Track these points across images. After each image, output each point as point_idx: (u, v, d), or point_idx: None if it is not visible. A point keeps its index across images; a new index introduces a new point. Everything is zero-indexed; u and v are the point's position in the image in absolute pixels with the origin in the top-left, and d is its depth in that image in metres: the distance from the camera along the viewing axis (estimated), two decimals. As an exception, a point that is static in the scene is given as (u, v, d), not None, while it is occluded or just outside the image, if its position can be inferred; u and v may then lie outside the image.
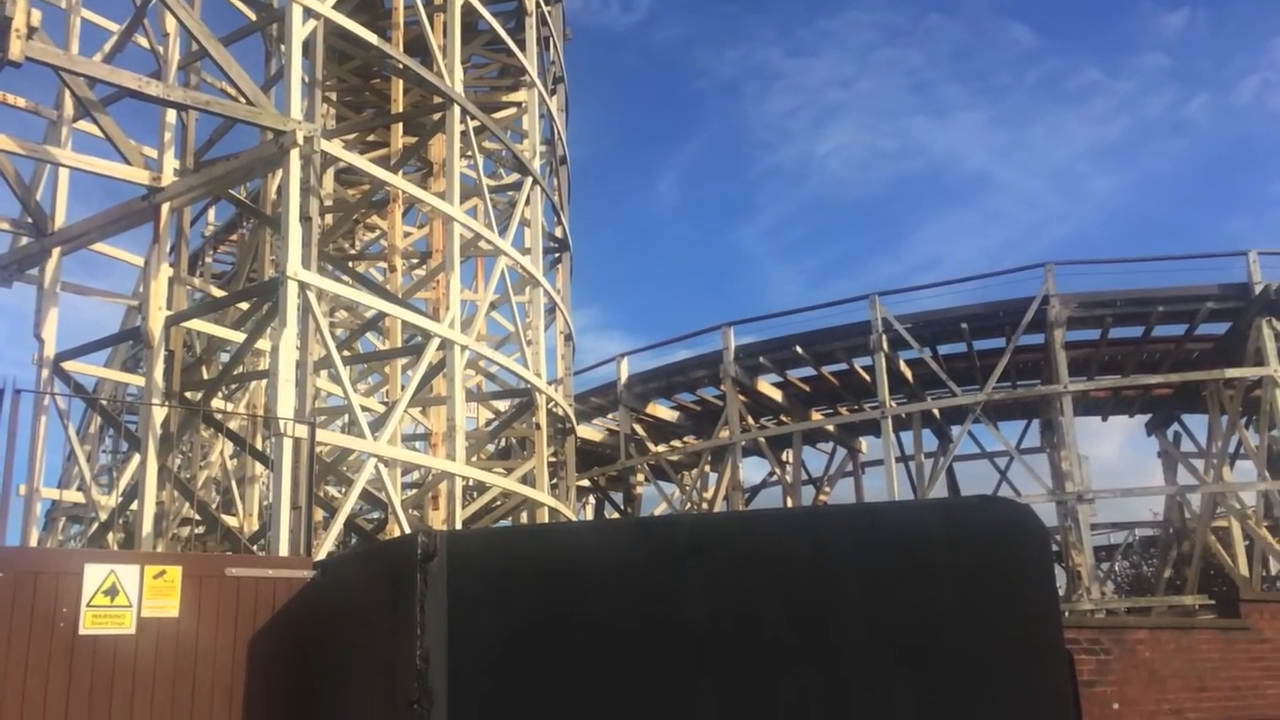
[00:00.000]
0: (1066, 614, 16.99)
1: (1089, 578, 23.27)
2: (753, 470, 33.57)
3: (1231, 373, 24.21)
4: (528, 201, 18.13)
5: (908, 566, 5.89)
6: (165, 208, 12.61)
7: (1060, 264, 24.76)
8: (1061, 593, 24.28)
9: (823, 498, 30.81)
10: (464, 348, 14.59)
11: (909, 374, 27.00)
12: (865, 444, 31.59)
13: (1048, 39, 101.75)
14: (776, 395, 28.93)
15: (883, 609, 5.82)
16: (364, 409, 14.49)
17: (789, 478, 29.55)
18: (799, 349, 26.45)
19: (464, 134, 15.77)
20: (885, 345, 25.26)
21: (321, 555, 10.36)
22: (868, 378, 26.52)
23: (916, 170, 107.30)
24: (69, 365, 13.77)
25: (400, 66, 15.60)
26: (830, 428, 29.49)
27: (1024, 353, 26.06)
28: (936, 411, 27.41)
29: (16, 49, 9.52)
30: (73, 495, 16.91)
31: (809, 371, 28.07)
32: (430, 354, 14.15)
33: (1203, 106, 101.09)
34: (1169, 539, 29.57)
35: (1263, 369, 23.28)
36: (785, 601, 5.90)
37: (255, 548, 12.68)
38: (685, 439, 31.59)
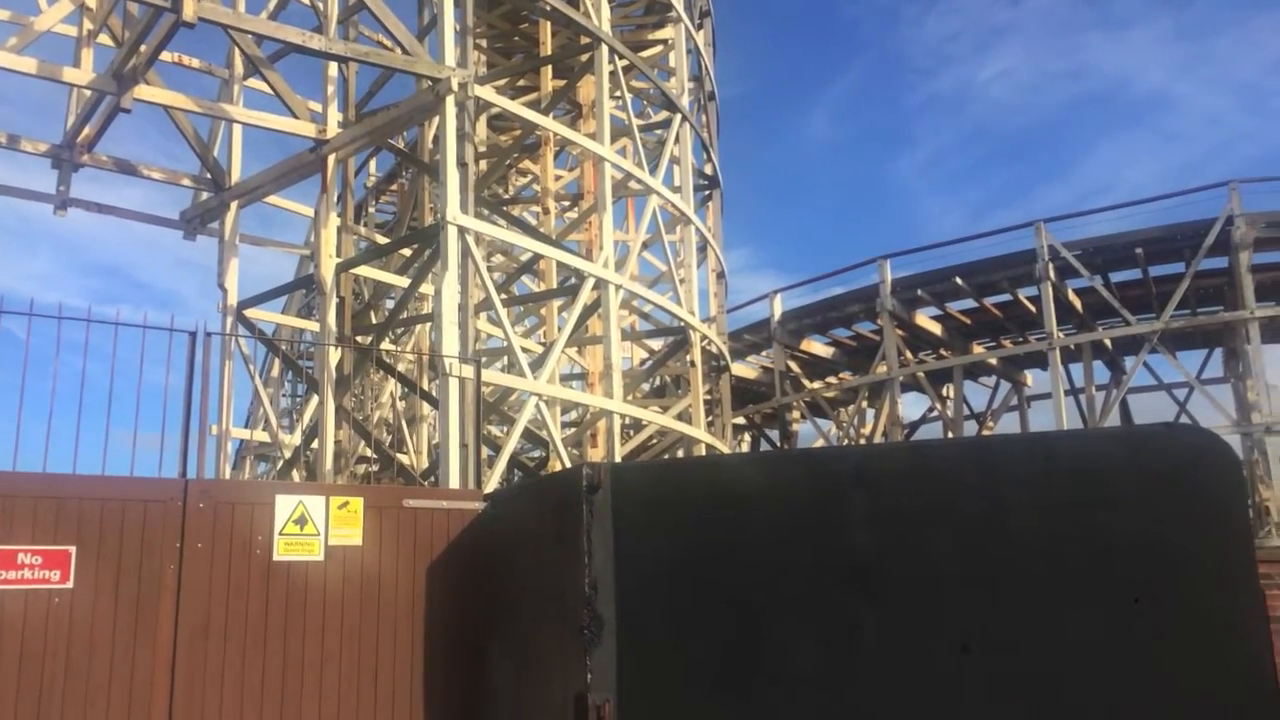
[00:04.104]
0: (1256, 549, 16.09)
1: (1279, 513, 21.94)
2: (911, 406, 32.95)
3: None
4: (677, 139, 18.01)
5: (1087, 498, 5.67)
6: (331, 159, 13.09)
7: (1245, 182, 23.08)
8: (1247, 530, 22.99)
9: (986, 433, 29.93)
10: (618, 287, 14.71)
11: (1078, 303, 25.80)
12: (1031, 377, 30.51)
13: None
14: (935, 329, 28.17)
15: (1060, 541, 5.63)
16: (523, 350, 14.82)
17: (950, 413, 28.84)
18: (959, 280, 25.61)
19: (612, 74, 15.74)
20: (1052, 274, 24.19)
21: (489, 490, 10.73)
22: (1033, 308, 25.51)
23: (1087, 92, 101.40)
24: (250, 313, 14.58)
25: (548, 8, 15.64)
26: (993, 361, 28.54)
27: (1205, 278, 24.50)
28: (1108, 342, 26.15)
29: (190, 10, 9.98)
30: (259, 435, 18.00)
31: (970, 303, 27.18)
32: (585, 294, 14.33)
33: None
34: (1369, 473, 27.53)
35: None
36: (955, 533, 5.77)
37: (426, 484, 13.23)
38: (841, 375, 31.19)
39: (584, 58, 16.39)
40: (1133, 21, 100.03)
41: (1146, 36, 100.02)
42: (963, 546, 5.77)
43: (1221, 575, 5.53)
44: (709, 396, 19.67)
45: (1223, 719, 5.44)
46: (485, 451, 15.48)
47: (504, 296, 16.59)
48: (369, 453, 15.54)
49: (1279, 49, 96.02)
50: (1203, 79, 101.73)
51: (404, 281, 14.89)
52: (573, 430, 18.34)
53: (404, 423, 17.19)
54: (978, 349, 29.39)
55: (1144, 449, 5.67)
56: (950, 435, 28.27)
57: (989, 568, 5.73)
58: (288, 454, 15.04)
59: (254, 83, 14.95)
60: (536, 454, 20.04)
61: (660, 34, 20.70)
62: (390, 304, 17.32)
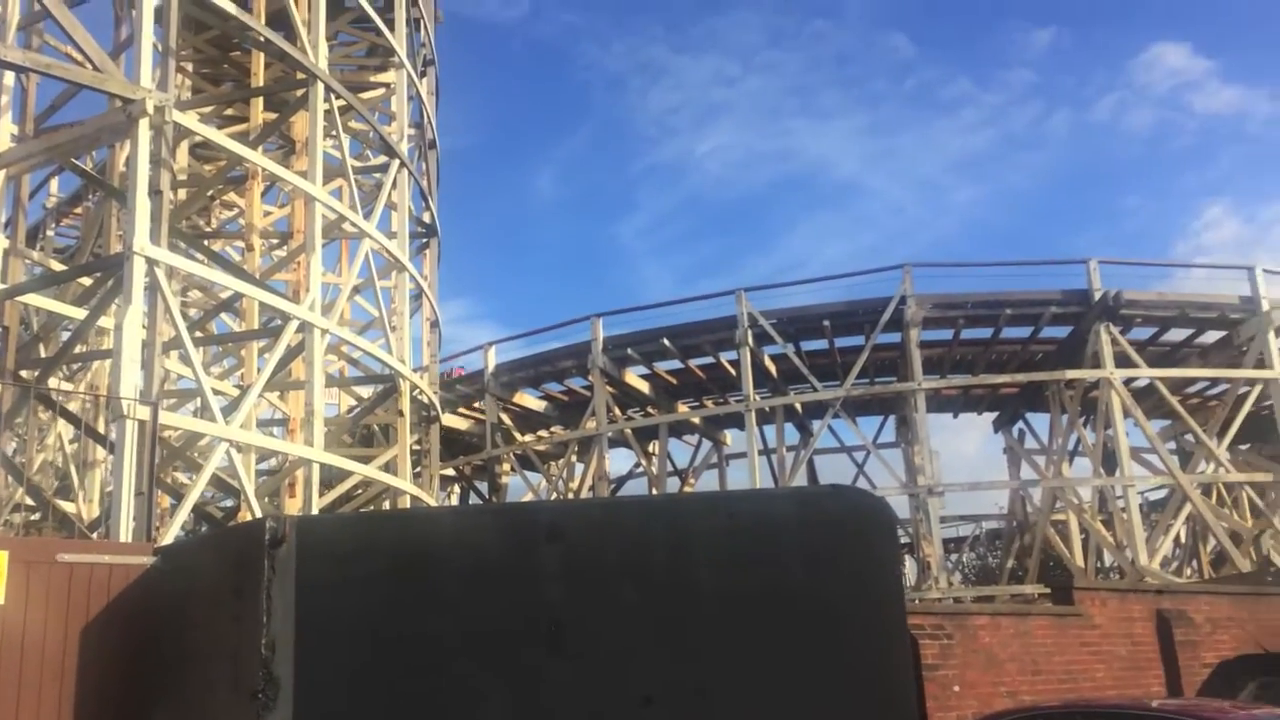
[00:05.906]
0: (916, 601, 17.65)
1: (938, 568, 24.22)
2: (619, 461, 33.71)
3: (1071, 374, 25.54)
4: (394, 185, 17.75)
5: (762, 552, 6.00)
6: (1, 175, 11.87)
7: (918, 266, 25.70)
8: (912, 582, 25.21)
9: (688, 489, 31.16)
10: (324, 331, 14.20)
11: (773, 368, 27.56)
12: (730, 437, 32.13)
13: (925, 48, 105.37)
14: (644, 387, 29.14)
15: (738, 592, 5.91)
16: (217, 392, 13.94)
17: (655, 469, 29.83)
18: (666, 341, 26.68)
19: (328, 113, 15.34)
20: (750, 340, 25.72)
21: (166, 542, 9.92)
22: (733, 371, 26.97)
23: (792, 173, 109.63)
24: (-112, 339, 12.83)
25: (261, 39, 15.04)
26: (696, 420, 29.89)
27: (882, 350, 26.89)
28: (798, 406, 28.07)
29: None
30: (-109, 479, 15.77)
31: (676, 364, 28.37)
32: (288, 337, 13.72)
33: (1063, 122, 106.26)
34: (1012, 531, 31.06)
35: (1100, 371, 24.64)
36: (642, 586, 5.93)
37: (95, 535, 12.07)
38: (552, 429, 31.52)
39: (299, 93, 15.85)
40: (832, 114, 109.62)
41: (844, 128, 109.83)
42: (649, 600, 5.93)
43: (876, 625, 6.00)
44: (417, 447, 19.29)
45: (874, 759, 5.88)
46: (168, 501, 14.36)
47: (199, 335, 15.57)
48: (29, 500, 14.00)
49: (952, 150, 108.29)
50: (888, 172, 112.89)
51: (82, 314, 13.64)
52: (269, 479, 17.38)
53: (74, 468, 15.63)
54: (682, 408, 30.68)
55: (813, 508, 6.10)
56: (654, 491, 29.21)
57: (673, 622, 5.92)
58: (-74, 501, 13.27)
59: (-89, 82, 13.33)
60: (228, 504, 18.79)
61: (382, 77, 20.41)
62: (66, 337, 15.79)
